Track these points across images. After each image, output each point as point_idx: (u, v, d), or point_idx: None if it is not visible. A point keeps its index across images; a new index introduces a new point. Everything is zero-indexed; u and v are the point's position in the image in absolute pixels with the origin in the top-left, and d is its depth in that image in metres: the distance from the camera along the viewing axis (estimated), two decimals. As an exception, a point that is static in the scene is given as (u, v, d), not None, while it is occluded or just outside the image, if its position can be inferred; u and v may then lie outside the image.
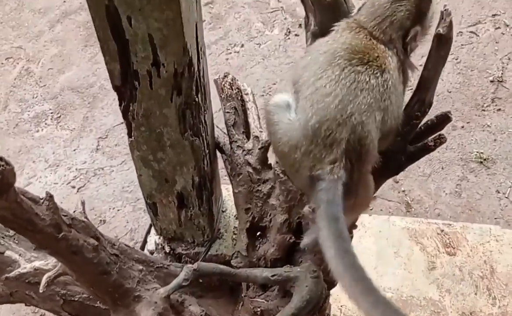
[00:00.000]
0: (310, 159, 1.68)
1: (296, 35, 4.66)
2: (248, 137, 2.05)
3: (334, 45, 1.74)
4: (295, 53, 4.51)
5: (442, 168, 3.81)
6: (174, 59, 1.56)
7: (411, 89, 1.90)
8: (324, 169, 1.66)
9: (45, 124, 4.24)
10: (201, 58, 1.77)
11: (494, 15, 4.64)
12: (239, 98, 2.10)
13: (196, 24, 1.66)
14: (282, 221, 1.92)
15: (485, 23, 4.61)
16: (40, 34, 4.92)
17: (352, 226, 1.99)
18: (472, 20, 4.64)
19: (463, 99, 4.15)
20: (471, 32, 4.56)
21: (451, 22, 1.75)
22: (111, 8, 1.42)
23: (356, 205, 1.79)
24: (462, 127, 4.00)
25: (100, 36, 1.49)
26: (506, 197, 3.62)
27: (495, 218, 3.53)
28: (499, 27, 4.56)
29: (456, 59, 4.40)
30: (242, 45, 4.74)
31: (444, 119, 1.82)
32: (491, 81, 4.23)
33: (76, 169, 3.95)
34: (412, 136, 1.84)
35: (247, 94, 2.11)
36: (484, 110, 4.08)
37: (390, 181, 3.76)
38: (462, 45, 4.49)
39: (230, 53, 4.69)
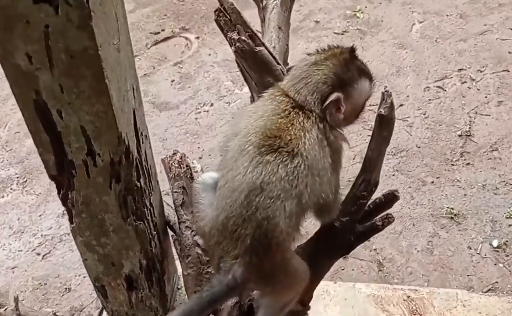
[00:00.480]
0: (220, 250, 1.71)
1: (266, 93, 4.65)
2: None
3: (249, 126, 1.74)
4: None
5: (413, 225, 3.79)
6: (109, 149, 1.53)
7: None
8: (227, 262, 1.69)
9: (11, 189, 4.18)
10: (142, 143, 1.74)
11: (460, 70, 4.69)
12: (188, 176, 2.06)
13: (134, 111, 1.63)
14: (233, 304, 1.88)
15: (452, 77, 4.65)
16: (7, 97, 4.88)
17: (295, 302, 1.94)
18: (439, 75, 4.68)
19: (432, 154, 4.16)
20: (438, 87, 4.60)
21: (392, 103, 1.74)
22: (40, 102, 1.39)
23: (281, 289, 1.81)
24: (432, 182, 3.99)
25: (31, 129, 1.46)
26: (478, 253, 3.59)
27: (468, 275, 3.50)
28: (465, 82, 4.60)
29: (424, 114, 4.42)
30: (212, 104, 4.74)
31: (391, 197, 1.80)
32: (459, 135, 4.25)
33: (41, 235, 3.88)
34: (360, 216, 1.81)
35: (196, 171, 2.08)
36: (453, 165, 4.08)
37: (361, 240, 3.74)
38: (429, 100, 4.51)
39: (200, 112, 4.68)
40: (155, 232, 1.91)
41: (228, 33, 1.98)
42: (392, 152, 4.18)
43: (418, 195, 3.92)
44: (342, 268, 3.62)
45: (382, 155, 1.81)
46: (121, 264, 1.87)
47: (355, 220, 1.81)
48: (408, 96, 4.54)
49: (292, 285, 1.83)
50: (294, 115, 1.72)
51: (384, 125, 1.77)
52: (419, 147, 4.21)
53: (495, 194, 3.87)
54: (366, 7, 5.26)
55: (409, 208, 3.87)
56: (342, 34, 5.04)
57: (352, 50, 1.84)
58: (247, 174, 1.68)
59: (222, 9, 2.02)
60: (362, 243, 1.90)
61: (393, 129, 1.81)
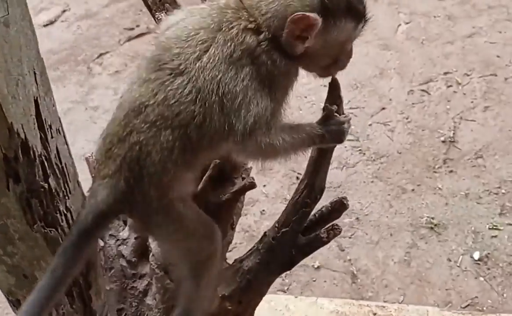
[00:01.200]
0: (96, 170, 1.58)
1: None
2: (126, 223, 1.79)
3: (157, 40, 1.59)
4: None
5: (391, 235, 3.60)
6: (0, 143, 1.31)
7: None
8: (96, 182, 1.55)
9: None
10: (51, 138, 1.52)
11: (446, 73, 4.50)
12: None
13: (36, 100, 1.41)
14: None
15: (437, 81, 4.46)
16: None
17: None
18: (424, 78, 4.49)
19: (414, 161, 3.96)
20: (422, 90, 4.41)
21: (340, 96, 1.53)
22: None
23: (167, 237, 1.67)
24: (413, 190, 3.80)
25: None
26: (458, 266, 3.41)
27: (446, 289, 3.30)
28: (451, 85, 4.41)
29: (407, 119, 4.22)
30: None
31: (339, 206, 1.57)
32: (443, 141, 4.05)
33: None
34: (303, 226, 1.58)
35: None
36: (435, 172, 3.89)
37: (335, 249, 3.55)
38: (413, 103, 4.32)
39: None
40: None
41: (156, 13, 1.76)
42: (371, 157, 3.98)
43: (397, 204, 3.73)
44: (314, 279, 3.44)
45: (329, 156, 1.59)
46: (34, 276, 1.65)
47: (297, 231, 1.59)
48: (391, 100, 4.35)
49: (181, 238, 1.64)
50: (220, 28, 1.50)
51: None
52: (400, 153, 4.01)
53: (478, 203, 3.67)
54: (350, 6, 5.06)
55: (387, 217, 3.67)
56: (325, 33, 4.83)
57: None
58: (132, 91, 1.56)
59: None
60: (305, 258, 1.66)
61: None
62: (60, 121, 1.65)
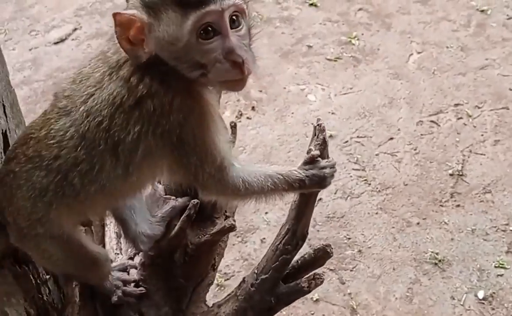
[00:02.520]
0: None
1: (248, 118, 4.42)
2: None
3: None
4: (245, 136, 4.25)
5: (394, 269, 3.52)
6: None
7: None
8: None
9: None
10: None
11: (456, 105, 4.42)
12: (97, 211, 1.79)
13: (5, 133, 1.37)
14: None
15: (447, 112, 4.38)
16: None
17: None
18: (434, 109, 4.41)
19: (420, 193, 3.88)
20: (431, 121, 4.33)
21: (324, 140, 1.46)
22: None
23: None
24: (418, 223, 3.73)
25: None
26: (462, 305, 3.34)
27: (448, 329, 3.19)
28: (461, 117, 4.33)
29: (415, 150, 4.14)
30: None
31: (322, 254, 1.50)
32: (451, 175, 3.97)
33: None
34: (284, 274, 1.51)
35: (110, 205, 1.81)
36: (442, 206, 3.81)
37: (335, 282, 3.47)
38: (421, 134, 4.24)
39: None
40: (48, 276, 1.63)
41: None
42: (377, 188, 3.91)
43: (401, 237, 3.65)
44: (312, 312, 3.38)
45: (312, 202, 1.52)
46: (5, 313, 1.60)
47: (277, 279, 1.52)
48: (399, 130, 4.27)
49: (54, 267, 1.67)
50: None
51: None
52: (406, 185, 3.93)
53: (485, 240, 3.59)
54: (362, 34, 5.00)
55: (390, 250, 3.60)
56: (335, 60, 4.79)
57: None
58: (37, 119, 1.57)
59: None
60: (284, 307, 1.58)
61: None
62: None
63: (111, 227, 1.79)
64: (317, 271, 1.59)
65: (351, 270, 3.54)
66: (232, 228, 1.50)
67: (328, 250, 1.55)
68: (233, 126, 1.71)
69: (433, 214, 3.76)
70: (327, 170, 1.55)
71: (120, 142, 1.40)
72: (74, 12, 5.26)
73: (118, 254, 1.74)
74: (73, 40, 5.00)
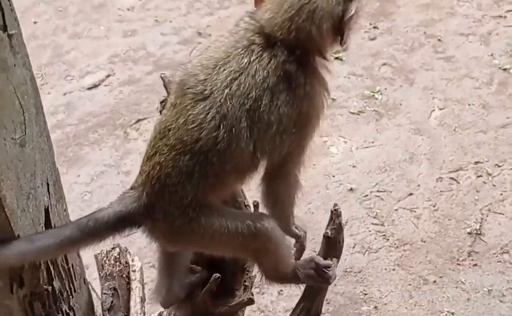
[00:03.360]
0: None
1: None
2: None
3: (184, 67, 1.70)
4: (267, 187, 4.33)
5: (409, 327, 3.55)
6: (6, 252, 1.38)
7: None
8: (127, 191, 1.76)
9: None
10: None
11: (476, 163, 4.46)
12: (123, 276, 1.90)
13: (47, 209, 1.49)
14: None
15: (467, 170, 4.42)
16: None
17: None
18: (454, 166, 4.46)
19: (438, 251, 3.92)
20: (451, 178, 4.38)
21: (340, 225, 1.56)
22: None
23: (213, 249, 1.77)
24: (434, 281, 3.76)
25: None
26: (476, 366, 3.33)
27: None
28: (480, 175, 4.37)
29: (434, 206, 4.19)
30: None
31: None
32: (469, 233, 4.01)
33: None
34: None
35: (134, 271, 1.92)
36: (459, 265, 3.84)
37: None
38: (441, 191, 4.29)
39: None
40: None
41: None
42: (395, 244, 3.96)
43: (417, 295, 3.69)
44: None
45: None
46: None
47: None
48: (419, 185, 4.33)
49: (219, 247, 1.73)
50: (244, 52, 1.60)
51: (331, 247, 1.59)
52: (424, 242, 3.98)
53: (501, 301, 3.60)
54: (386, 88, 5.10)
55: (406, 308, 3.63)
56: (358, 114, 4.88)
57: None
58: (163, 115, 1.67)
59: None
60: None
61: (341, 253, 1.62)
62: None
63: (136, 292, 1.90)
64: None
65: (367, 327, 3.58)
66: (250, 302, 1.59)
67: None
68: (256, 205, 1.85)
69: (450, 273, 3.79)
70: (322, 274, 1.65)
71: (260, 120, 1.56)
72: (108, 58, 5.44)
73: (142, 318, 1.84)
74: (106, 86, 5.18)
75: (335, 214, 1.58)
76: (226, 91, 1.58)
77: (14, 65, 1.26)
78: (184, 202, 1.62)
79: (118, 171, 4.45)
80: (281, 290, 3.70)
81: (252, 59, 1.58)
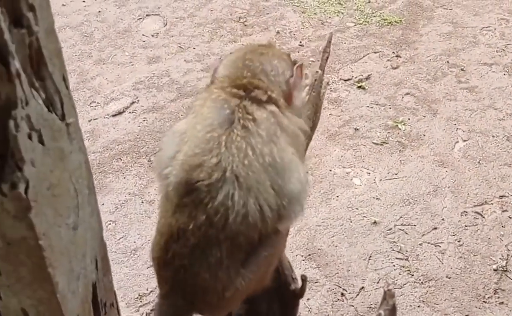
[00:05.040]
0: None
1: (294, 198, 4.50)
2: None
3: (177, 165, 1.74)
4: (290, 218, 4.34)
5: (434, 366, 3.53)
6: (55, 332, 1.39)
7: None
8: (158, 300, 1.84)
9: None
10: (105, 314, 1.60)
11: (501, 197, 4.44)
12: None
13: (94, 284, 1.50)
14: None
15: (492, 204, 4.40)
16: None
17: None
18: (479, 199, 4.43)
19: (463, 288, 3.89)
20: (476, 212, 4.35)
21: (394, 306, 1.55)
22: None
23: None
24: (460, 319, 3.72)
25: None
26: None
27: None
28: (506, 210, 4.34)
29: (459, 241, 4.16)
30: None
31: None
32: (495, 270, 3.97)
33: None
34: None
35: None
36: (485, 302, 3.80)
37: None
38: (466, 226, 4.26)
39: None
40: None
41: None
42: (420, 280, 3.93)
43: (442, 333, 3.66)
44: None
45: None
46: None
47: None
48: (443, 219, 4.31)
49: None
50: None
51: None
52: (449, 278, 3.95)
53: (528, 341, 3.56)
54: (409, 119, 5.08)
55: (432, 347, 3.61)
56: (381, 144, 4.87)
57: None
58: (166, 218, 1.70)
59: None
60: None
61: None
62: (115, 295, 1.74)
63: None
64: None
65: (392, 364, 3.56)
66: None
67: None
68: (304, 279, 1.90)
69: (476, 311, 3.75)
70: None
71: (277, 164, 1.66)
72: (132, 85, 5.48)
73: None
74: (130, 113, 5.21)
75: (389, 295, 1.57)
76: (245, 162, 1.59)
77: (71, 152, 1.27)
78: (218, 288, 1.65)
79: (142, 200, 4.46)
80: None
81: (246, 119, 1.66)
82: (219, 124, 1.63)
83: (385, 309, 1.56)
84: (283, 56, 1.81)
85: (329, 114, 5.16)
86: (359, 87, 5.33)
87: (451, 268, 4.00)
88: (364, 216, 4.37)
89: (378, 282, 3.93)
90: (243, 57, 1.78)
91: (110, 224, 4.29)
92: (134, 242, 4.08)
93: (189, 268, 1.63)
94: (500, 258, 4.03)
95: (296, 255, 4.04)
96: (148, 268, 4.00)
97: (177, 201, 1.65)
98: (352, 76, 5.52)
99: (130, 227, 4.23)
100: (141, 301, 3.70)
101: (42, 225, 1.20)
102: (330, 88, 5.40)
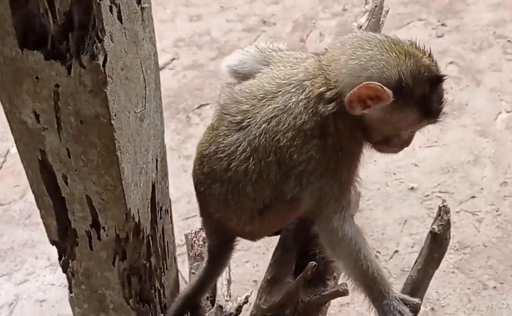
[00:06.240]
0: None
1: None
2: (212, 304, 1.85)
3: (231, 89, 1.69)
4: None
5: (467, 329, 3.50)
6: (116, 224, 1.41)
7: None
8: None
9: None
10: (160, 218, 1.62)
11: (543, 168, 4.35)
12: (212, 255, 1.91)
13: (153, 185, 1.50)
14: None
15: (532, 176, 4.31)
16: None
17: None
18: (519, 170, 4.35)
19: (499, 256, 3.84)
20: (516, 183, 4.27)
21: (448, 221, 1.53)
22: (45, 163, 1.29)
23: None
24: (494, 287, 3.67)
25: (35, 189, 1.36)
26: None
27: None
28: (546, 184, 4.26)
29: (497, 211, 4.10)
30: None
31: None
32: (532, 241, 3.90)
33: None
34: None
35: (222, 253, 1.93)
36: (520, 272, 3.75)
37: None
38: (505, 196, 4.19)
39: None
40: (162, 315, 1.75)
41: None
42: (455, 246, 3.88)
43: (476, 299, 3.61)
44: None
45: (428, 279, 1.61)
46: (120, 344, 1.72)
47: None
48: (482, 189, 4.23)
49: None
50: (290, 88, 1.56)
51: (436, 245, 1.56)
52: (485, 246, 3.89)
53: None
54: (452, 87, 4.99)
55: (464, 311, 3.56)
56: (421, 111, 4.79)
57: (439, 75, 1.55)
58: (205, 135, 1.71)
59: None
60: None
61: (445, 251, 1.59)
62: (170, 202, 1.74)
63: (223, 274, 1.91)
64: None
65: (423, 327, 3.53)
66: (345, 292, 1.57)
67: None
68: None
69: (510, 280, 3.69)
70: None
71: (288, 158, 1.54)
72: (173, 42, 5.48)
73: (228, 300, 1.85)
74: (170, 69, 5.21)
75: (444, 211, 1.55)
76: (264, 125, 1.55)
77: (143, 39, 1.27)
78: (241, 222, 1.70)
79: (179, 154, 4.48)
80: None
81: (299, 100, 1.53)
82: (277, 85, 1.59)
83: (438, 224, 1.54)
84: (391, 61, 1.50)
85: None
86: (403, 54, 5.25)
87: (488, 237, 3.94)
88: (402, 182, 4.32)
89: (412, 247, 3.89)
90: (361, 42, 1.56)
91: (147, 175, 4.31)
92: (170, 195, 4.09)
93: (206, 195, 1.68)
94: (538, 230, 3.96)
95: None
96: (183, 220, 4.02)
97: (213, 122, 1.67)
98: (395, 43, 5.45)
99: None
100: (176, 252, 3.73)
101: (115, 105, 1.20)
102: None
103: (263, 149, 1.55)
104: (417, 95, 1.49)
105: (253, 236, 1.84)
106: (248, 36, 5.49)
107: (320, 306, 1.68)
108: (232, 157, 1.57)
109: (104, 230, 1.40)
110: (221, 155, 1.59)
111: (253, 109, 1.58)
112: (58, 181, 1.32)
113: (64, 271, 1.57)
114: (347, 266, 1.58)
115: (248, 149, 1.55)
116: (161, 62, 5.22)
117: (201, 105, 4.89)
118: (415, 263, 1.62)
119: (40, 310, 3.56)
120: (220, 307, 1.82)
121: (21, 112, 1.23)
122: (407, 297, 1.58)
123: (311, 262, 1.57)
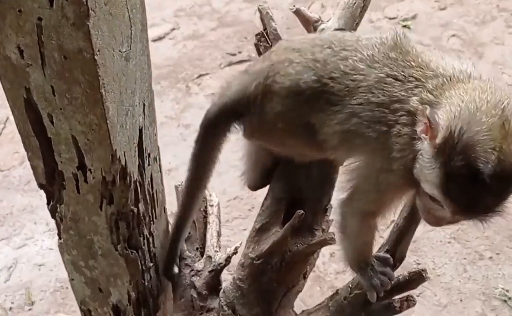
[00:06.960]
0: None
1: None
2: (202, 255, 1.86)
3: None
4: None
5: (461, 300, 3.50)
6: (102, 166, 1.42)
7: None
8: None
9: (58, 184, 4.18)
10: (148, 165, 1.62)
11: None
12: (201, 209, 1.92)
13: (140, 130, 1.50)
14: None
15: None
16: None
17: None
18: None
19: (496, 227, 3.83)
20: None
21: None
22: (31, 102, 1.29)
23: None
24: (490, 257, 3.68)
25: (21, 130, 1.36)
26: (528, 346, 3.29)
27: None
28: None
29: (495, 183, 4.09)
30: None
31: (417, 277, 1.57)
32: (529, 213, 3.90)
33: (77, 237, 3.83)
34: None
35: (212, 205, 1.94)
36: (517, 242, 3.76)
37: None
38: (503, 168, 4.18)
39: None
40: (151, 264, 1.77)
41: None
42: (452, 217, 3.88)
43: (472, 269, 3.62)
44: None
45: (415, 225, 1.59)
46: (108, 292, 1.75)
47: (371, 296, 1.59)
48: (480, 161, 4.22)
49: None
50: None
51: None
52: (482, 217, 3.89)
53: (559, 280, 3.50)
54: (453, 60, 4.97)
55: (459, 281, 3.57)
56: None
57: None
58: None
59: (264, 33, 1.88)
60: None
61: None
62: (158, 150, 1.74)
63: (213, 226, 1.91)
64: (409, 293, 1.66)
65: (417, 296, 3.51)
66: (332, 241, 1.57)
67: (424, 275, 1.60)
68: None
69: (507, 250, 3.71)
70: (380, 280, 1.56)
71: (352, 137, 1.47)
72: (174, 12, 5.46)
73: (217, 251, 1.86)
74: (171, 39, 5.20)
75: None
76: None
77: (128, -24, 1.26)
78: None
79: (179, 123, 4.48)
80: (333, 252, 3.69)
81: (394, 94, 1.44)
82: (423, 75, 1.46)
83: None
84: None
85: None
86: (404, 26, 5.22)
87: (485, 208, 3.94)
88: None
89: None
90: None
91: (146, 143, 4.31)
92: (169, 162, 4.09)
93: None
94: (536, 201, 3.95)
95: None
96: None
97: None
98: (398, 15, 5.41)
99: (165, 149, 4.23)
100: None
101: (98, 40, 1.20)
102: (374, 26, 5.31)
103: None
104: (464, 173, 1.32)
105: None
106: (249, 6, 5.46)
107: (307, 255, 1.68)
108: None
109: (91, 173, 1.41)
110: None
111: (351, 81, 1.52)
112: (44, 120, 1.32)
113: (53, 216, 1.58)
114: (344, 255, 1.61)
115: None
116: (161, 32, 5.26)
117: (201, 75, 4.89)
118: (401, 211, 1.61)
119: (39, 274, 3.58)
120: (209, 257, 1.83)
121: (5, 47, 1.23)
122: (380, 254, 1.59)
123: (298, 211, 1.57)
